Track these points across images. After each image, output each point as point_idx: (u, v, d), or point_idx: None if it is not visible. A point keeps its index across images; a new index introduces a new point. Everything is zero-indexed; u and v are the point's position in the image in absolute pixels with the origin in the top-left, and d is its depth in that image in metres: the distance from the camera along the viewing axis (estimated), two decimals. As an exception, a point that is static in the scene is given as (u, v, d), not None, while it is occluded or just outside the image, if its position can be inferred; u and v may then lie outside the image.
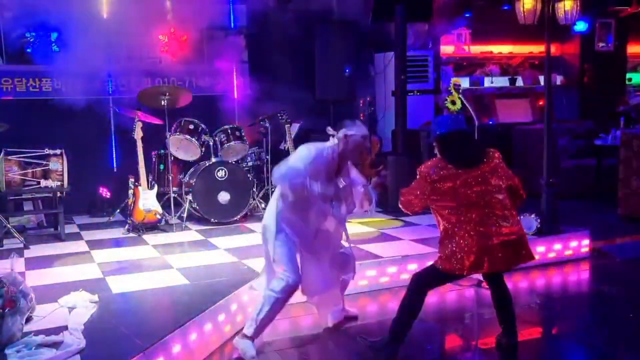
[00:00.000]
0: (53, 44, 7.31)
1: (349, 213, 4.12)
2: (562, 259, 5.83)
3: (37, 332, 3.57)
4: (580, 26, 9.54)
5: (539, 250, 5.74)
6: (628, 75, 10.41)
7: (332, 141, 3.95)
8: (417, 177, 3.66)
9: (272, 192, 7.24)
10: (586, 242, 5.98)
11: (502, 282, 3.87)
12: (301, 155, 3.82)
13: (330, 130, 4.01)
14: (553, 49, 6.13)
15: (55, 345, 3.39)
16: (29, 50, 7.30)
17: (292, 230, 3.91)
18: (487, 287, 4.97)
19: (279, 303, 3.87)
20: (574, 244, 5.92)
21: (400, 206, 3.81)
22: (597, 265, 5.83)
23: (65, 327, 3.64)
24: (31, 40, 7.27)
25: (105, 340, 3.55)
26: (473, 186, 3.54)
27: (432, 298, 4.90)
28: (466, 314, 4.68)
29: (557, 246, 5.84)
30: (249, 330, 3.83)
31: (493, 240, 3.51)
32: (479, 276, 5.13)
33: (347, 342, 4.13)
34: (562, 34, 9.57)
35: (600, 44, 9.95)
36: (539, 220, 5.86)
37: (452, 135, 3.67)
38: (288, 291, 3.86)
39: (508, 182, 3.68)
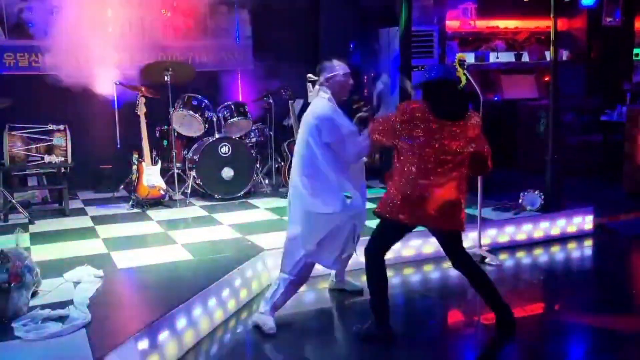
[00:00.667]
0: (55, 19, 7.25)
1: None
2: (565, 235, 5.83)
3: (43, 307, 3.59)
4: (588, 0, 9.42)
5: (543, 226, 5.75)
6: (635, 51, 10.28)
7: (322, 91, 3.86)
8: (397, 110, 3.57)
9: (276, 168, 7.31)
10: (590, 218, 5.97)
11: (468, 263, 3.82)
12: (340, 124, 3.73)
13: (311, 76, 3.95)
14: (560, 23, 6.06)
15: (61, 319, 3.42)
16: (31, 25, 7.25)
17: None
18: (490, 263, 5.02)
19: (293, 286, 3.90)
20: (578, 220, 5.91)
21: (369, 139, 3.73)
22: (601, 241, 5.83)
23: (71, 302, 3.67)
24: (33, 15, 7.22)
25: (110, 315, 3.58)
26: (440, 139, 3.46)
27: (435, 274, 4.93)
28: (468, 290, 4.70)
29: (561, 222, 5.83)
30: (265, 309, 3.87)
31: (428, 193, 3.48)
32: (483, 252, 5.17)
33: (349, 316, 4.16)
34: (569, 9, 9.45)
35: (608, 19, 9.81)
36: (542, 197, 5.85)
37: (440, 84, 3.56)
38: (304, 275, 3.89)
39: (476, 149, 3.58)
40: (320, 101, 3.85)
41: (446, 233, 3.74)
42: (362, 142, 3.76)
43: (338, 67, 3.92)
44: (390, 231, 3.72)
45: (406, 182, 3.52)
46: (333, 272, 4.45)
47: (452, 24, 9.35)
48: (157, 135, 7.11)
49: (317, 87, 3.93)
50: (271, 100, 7.22)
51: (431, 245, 5.20)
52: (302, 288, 4.52)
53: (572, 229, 5.88)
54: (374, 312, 3.73)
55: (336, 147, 3.75)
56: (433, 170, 3.50)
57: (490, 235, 5.50)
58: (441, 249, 4.89)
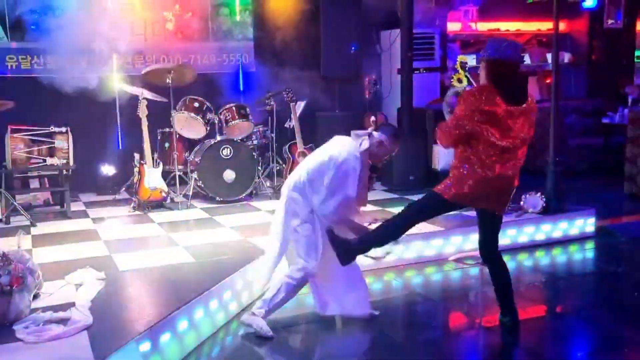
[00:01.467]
0: (57, 21, 7.26)
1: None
2: (567, 237, 5.82)
3: (45, 309, 3.60)
4: (589, 3, 9.42)
5: (544, 228, 5.75)
6: (637, 53, 10.29)
7: (365, 142, 3.84)
8: (460, 104, 3.45)
9: (278, 170, 7.31)
10: (592, 220, 5.97)
11: (499, 257, 3.84)
12: (347, 177, 3.72)
13: (360, 133, 3.92)
14: (561, 26, 6.07)
15: (63, 321, 3.42)
16: (33, 27, 7.26)
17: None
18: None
19: (295, 290, 3.91)
20: (579, 222, 5.91)
21: (436, 139, 3.75)
22: (603, 243, 5.82)
23: (73, 304, 3.67)
24: (36, 17, 7.23)
25: (111, 317, 3.58)
26: (511, 124, 3.38)
27: (437, 276, 4.93)
28: (470, 292, 4.70)
29: (563, 225, 5.83)
30: (260, 311, 3.86)
31: (498, 180, 3.48)
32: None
33: (351, 320, 4.16)
34: (570, 11, 9.46)
35: (609, 21, 9.81)
36: (544, 199, 5.85)
37: (509, 65, 3.40)
38: (305, 280, 3.90)
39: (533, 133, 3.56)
40: (354, 147, 3.80)
41: (492, 216, 3.73)
42: (338, 213, 3.74)
43: (391, 137, 3.89)
44: (440, 209, 3.72)
45: (479, 167, 3.47)
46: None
47: (453, 26, 9.37)
48: (159, 137, 7.11)
49: (366, 135, 3.89)
50: (273, 103, 7.23)
51: (433, 248, 5.21)
52: (304, 290, 4.52)
53: (573, 231, 5.88)
54: (365, 240, 3.72)
55: (318, 189, 3.74)
56: (505, 156, 3.46)
57: (492, 238, 5.49)
58: (442, 251, 4.91)
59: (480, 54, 3.56)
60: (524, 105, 3.46)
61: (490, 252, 3.83)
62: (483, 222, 3.79)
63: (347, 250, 3.70)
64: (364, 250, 3.76)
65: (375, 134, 3.89)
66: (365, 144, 3.85)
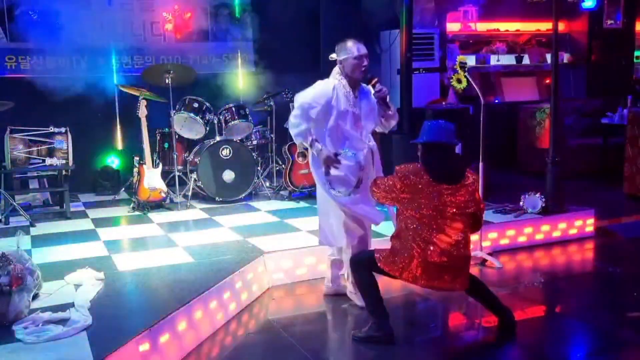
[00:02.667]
0: (57, 22, 7.27)
1: (377, 125, 4.25)
2: (566, 237, 5.83)
3: (44, 309, 3.60)
4: (589, 3, 9.42)
5: (544, 228, 5.75)
6: (636, 53, 10.30)
7: (336, 72, 4.14)
8: (395, 174, 3.60)
9: (277, 170, 7.31)
10: (591, 220, 5.97)
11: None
12: (299, 102, 4.06)
13: (333, 56, 4.18)
14: (561, 26, 6.08)
15: (62, 321, 3.43)
16: (32, 27, 7.25)
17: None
18: (491, 266, 5.02)
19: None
20: (579, 222, 5.91)
21: (371, 194, 3.84)
22: (602, 244, 5.83)
23: (72, 304, 3.67)
24: (35, 17, 7.23)
25: (111, 317, 3.58)
26: (442, 202, 3.49)
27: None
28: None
29: (562, 225, 5.83)
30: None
31: (435, 259, 3.50)
32: (484, 255, 5.17)
33: (349, 319, 4.16)
34: (570, 11, 9.46)
35: (609, 21, 9.81)
36: (543, 199, 5.85)
37: (437, 147, 3.57)
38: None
39: (475, 209, 3.60)
40: (319, 82, 4.13)
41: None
42: (296, 124, 4.01)
43: (351, 49, 4.09)
44: (384, 274, 3.72)
45: (415, 245, 3.52)
46: (328, 277, 4.46)
47: (453, 26, 9.37)
48: (158, 137, 7.11)
49: (335, 67, 4.15)
50: (272, 103, 7.23)
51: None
52: (303, 290, 4.54)
53: (573, 231, 5.88)
54: (372, 316, 3.74)
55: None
56: (438, 234, 3.51)
57: (491, 238, 5.50)
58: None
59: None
60: (457, 185, 3.54)
61: None
62: None
63: (373, 340, 3.71)
64: (382, 325, 3.72)
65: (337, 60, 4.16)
66: (337, 72, 4.15)
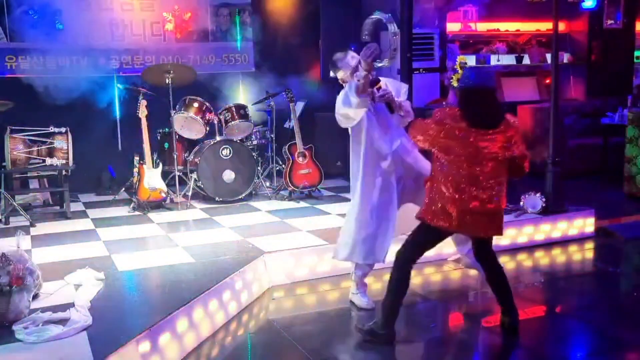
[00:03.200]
0: (57, 22, 7.28)
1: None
2: (567, 237, 5.83)
3: (44, 309, 3.60)
4: (589, 3, 9.42)
5: (544, 229, 5.75)
6: (636, 53, 10.29)
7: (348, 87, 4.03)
8: (432, 118, 3.57)
9: (277, 170, 7.31)
10: (591, 221, 5.97)
11: (493, 258, 3.86)
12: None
13: (341, 80, 4.14)
14: (561, 26, 6.08)
15: (62, 321, 3.43)
16: (32, 27, 7.26)
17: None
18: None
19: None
20: (579, 222, 5.91)
21: (410, 135, 3.81)
22: (602, 244, 5.83)
23: (72, 304, 3.67)
24: (35, 17, 7.23)
25: (111, 317, 3.58)
26: (477, 148, 3.48)
27: (436, 276, 4.93)
28: (469, 292, 4.70)
29: (562, 225, 5.83)
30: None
31: (469, 204, 3.51)
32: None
33: (349, 319, 4.16)
34: (570, 11, 9.45)
35: (609, 21, 9.81)
36: (544, 199, 5.85)
37: (476, 92, 3.54)
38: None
39: (514, 153, 3.57)
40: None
41: (483, 237, 3.78)
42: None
43: (352, 59, 4.04)
44: (429, 237, 3.74)
45: (446, 189, 3.53)
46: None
47: (453, 26, 9.36)
48: (158, 137, 7.11)
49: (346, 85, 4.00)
50: (272, 103, 7.23)
51: (433, 249, 5.19)
52: (304, 290, 4.54)
53: (573, 231, 5.88)
54: (383, 312, 3.75)
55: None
56: (471, 179, 3.51)
57: (491, 238, 5.49)
58: (442, 252, 4.92)
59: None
60: (496, 135, 3.52)
61: (485, 254, 3.85)
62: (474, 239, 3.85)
63: (379, 332, 3.74)
64: (389, 318, 3.75)
65: (343, 76, 4.12)
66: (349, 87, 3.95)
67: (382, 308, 3.78)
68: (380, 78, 4.10)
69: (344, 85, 4.08)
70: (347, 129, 4.17)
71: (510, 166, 3.62)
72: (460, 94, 3.60)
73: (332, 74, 4.22)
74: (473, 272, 4.78)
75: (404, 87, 4.22)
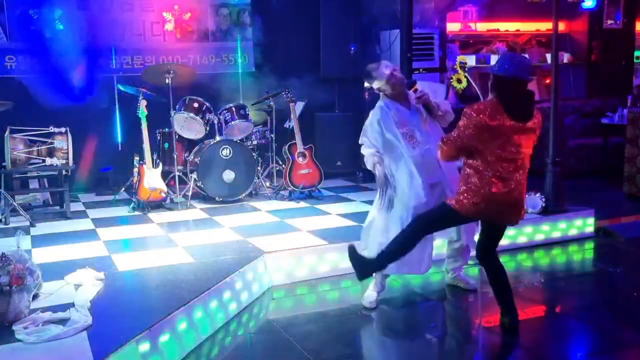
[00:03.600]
0: (57, 22, 7.28)
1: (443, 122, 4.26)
2: (566, 237, 5.83)
3: (44, 309, 3.60)
4: (589, 3, 9.43)
5: (544, 229, 5.75)
6: (636, 53, 10.30)
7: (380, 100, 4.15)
8: (464, 119, 3.52)
9: (277, 170, 7.31)
10: (591, 221, 5.97)
11: (496, 259, 3.88)
12: (365, 131, 4.11)
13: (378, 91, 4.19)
14: (561, 26, 6.08)
15: (62, 321, 3.43)
16: (32, 27, 7.26)
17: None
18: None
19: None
20: (578, 222, 5.91)
21: (439, 156, 3.82)
22: (602, 244, 5.83)
23: (72, 304, 3.67)
24: (35, 17, 7.23)
25: (111, 317, 3.58)
26: (514, 140, 3.50)
27: (436, 276, 4.93)
28: (469, 293, 4.70)
29: (562, 225, 5.83)
30: None
31: (507, 196, 3.56)
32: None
33: (349, 319, 4.16)
34: (570, 11, 9.46)
35: (609, 21, 9.81)
36: (543, 199, 5.85)
37: (516, 82, 3.49)
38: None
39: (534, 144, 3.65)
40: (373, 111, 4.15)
41: (502, 226, 3.84)
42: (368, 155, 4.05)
43: (385, 69, 4.08)
44: (454, 221, 3.83)
45: (484, 182, 3.56)
46: (447, 266, 4.60)
47: (453, 26, 9.37)
48: (158, 137, 7.11)
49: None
50: (272, 103, 7.23)
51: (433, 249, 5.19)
52: (304, 290, 4.53)
53: (573, 231, 5.88)
54: (383, 255, 3.86)
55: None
56: (508, 170, 3.54)
57: (491, 238, 5.49)
58: (441, 252, 4.90)
59: (491, 68, 3.67)
60: (529, 123, 3.54)
61: (488, 253, 3.85)
62: (490, 229, 3.85)
63: (363, 266, 3.83)
64: (380, 266, 3.88)
65: (379, 86, 4.16)
66: (380, 100, 4.13)
67: (387, 248, 3.89)
68: (416, 80, 4.14)
69: (379, 92, 4.18)
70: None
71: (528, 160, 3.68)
72: (497, 80, 3.53)
73: (366, 84, 4.27)
74: (473, 272, 4.78)
75: (441, 88, 4.25)
